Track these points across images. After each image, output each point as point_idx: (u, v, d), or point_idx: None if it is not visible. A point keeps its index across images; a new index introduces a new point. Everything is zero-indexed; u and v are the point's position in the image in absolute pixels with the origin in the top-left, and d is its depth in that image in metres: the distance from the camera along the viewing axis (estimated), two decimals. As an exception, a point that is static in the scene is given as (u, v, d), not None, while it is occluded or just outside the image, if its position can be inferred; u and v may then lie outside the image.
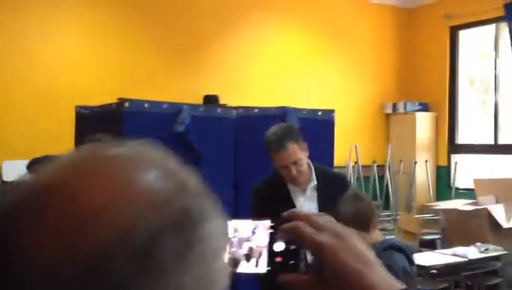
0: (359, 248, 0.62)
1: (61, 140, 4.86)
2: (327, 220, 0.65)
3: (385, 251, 2.40)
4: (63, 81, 5.44)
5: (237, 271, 0.67)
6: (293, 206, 2.77)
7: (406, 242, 2.74)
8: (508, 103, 6.77)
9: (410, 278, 2.41)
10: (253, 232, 0.69)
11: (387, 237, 2.67)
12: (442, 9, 7.25)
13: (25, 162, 3.19)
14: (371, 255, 0.63)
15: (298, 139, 2.68)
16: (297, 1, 6.91)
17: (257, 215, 2.44)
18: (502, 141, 6.80)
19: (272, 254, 0.66)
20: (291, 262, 0.65)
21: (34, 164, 3.01)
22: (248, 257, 0.67)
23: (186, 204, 0.46)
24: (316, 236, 0.62)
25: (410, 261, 2.49)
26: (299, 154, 2.64)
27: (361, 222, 2.37)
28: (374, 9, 7.49)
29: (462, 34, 7.31)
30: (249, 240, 0.68)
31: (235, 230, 0.70)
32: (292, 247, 0.65)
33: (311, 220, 0.64)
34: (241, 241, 0.69)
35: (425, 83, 7.47)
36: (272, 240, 0.67)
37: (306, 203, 2.76)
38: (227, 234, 0.51)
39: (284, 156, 2.63)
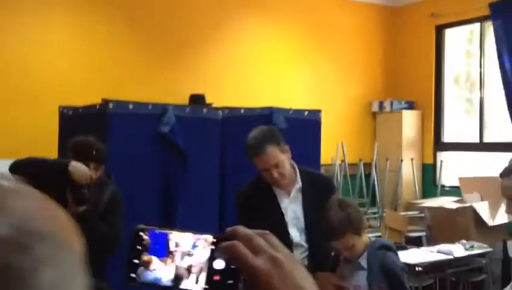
0: (295, 277, 0.59)
1: (44, 140, 4.83)
2: (269, 241, 0.62)
3: (378, 250, 2.45)
4: (46, 80, 5.39)
5: (179, 287, 0.64)
6: (279, 208, 2.78)
7: (389, 241, 2.80)
8: (493, 101, 6.82)
9: (404, 273, 2.49)
10: (195, 246, 0.66)
11: (376, 238, 2.71)
12: (428, 8, 7.28)
13: (8, 161, 3.17)
14: (307, 284, 0.60)
15: (279, 142, 2.68)
16: (283, 0, 6.90)
17: (244, 221, 2.47)
18: (487, 139, 6.85)
19: (210, 271, 0.63)
20: (230, 282, 0.62)
21: (16, 165, 2.98)
22: (188, 272, 0.64)
23: (9, 260, 0.38)
24: (252, 260, 0.59)
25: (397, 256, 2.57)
26: (280, 156, 2.65)
27: (355, 227, 2.42)
28: (359, 7, 7.51)
29: (448, 33, 7.35)
30: (190, 254, 0.65)
31: (177, 244, 0.66)
32: (233, 266, 0.62)
33: (251, 240, 0.61)
34: (182, 255, 0.66)
35: (412, 81, 7.51)
36: (213, 256, 0.64)
37: (290, 205, 2.77)
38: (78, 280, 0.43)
39: (264, 159, 2.63)
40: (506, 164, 2.53)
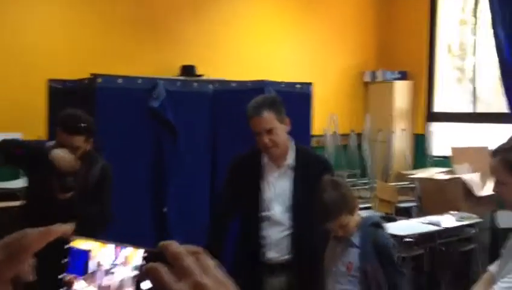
0: None
1: (33, 114, 4.78)
2: (200, 260, 0.58)
3: (369, 228, 2.49)
4: (34, 54, 5.29)
5: None
6: (260, 178, 2.74)
7: (378, 217, 2.84)
8: (486, 71, 6.79)
9: (395, 250, 2.53)
10: (115, 263, 0.60)
11: (367, 215, 2.74)
12: (421, -24, 7.18)
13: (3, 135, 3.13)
14: None
15: (279, 111, 2.69)
16: (275, -32, 6.77)
17: (228, 183, 2.47)
18: (479, 109, 6.85)
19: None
20: None
21: (1, 145, 2.93)
22: None
23: None
24: (201, 278, 0.56)
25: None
26: (275, 124, 2.65)
27: (349, 206, 2.45)
28: (352, -25, 7.39)
29: (441, 1, 7.26)
30: (111, 272, 0.60)
31: (98, 262, 0.61)
32: None
33: (180, 260, 0.57)
34: (106, 273, 0.60)
35: (404, 51, 7.45)
36: (142, 273, 0.58)
37: (279, 181, 2.76)
38: None
39: (258, 122, 2.65)
40: (498, 136, 2.52)
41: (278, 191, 2.75)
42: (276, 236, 2.74)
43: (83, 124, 2.85)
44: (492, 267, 2.17)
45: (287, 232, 2.74)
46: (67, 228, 0.64)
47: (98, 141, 3.08)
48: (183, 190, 3.86)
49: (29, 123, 4.99)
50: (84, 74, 4.39)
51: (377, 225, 2.55)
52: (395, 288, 2.46)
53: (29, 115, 4.99)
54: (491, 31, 6.26)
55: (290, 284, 2.76)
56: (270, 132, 2.65)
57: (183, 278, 0.56)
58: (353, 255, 2.49)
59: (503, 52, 6.13)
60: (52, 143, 3.03)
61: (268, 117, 2.64)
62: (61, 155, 2.74)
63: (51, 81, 4.03)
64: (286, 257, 2.74)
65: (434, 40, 7.29)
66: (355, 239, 2.48)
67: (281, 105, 2.73)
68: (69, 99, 3.70)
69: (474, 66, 6.89)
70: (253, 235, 2.76)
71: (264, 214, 2.76)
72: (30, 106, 4.92)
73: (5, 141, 2.89)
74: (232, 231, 3.01)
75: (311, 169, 2.73)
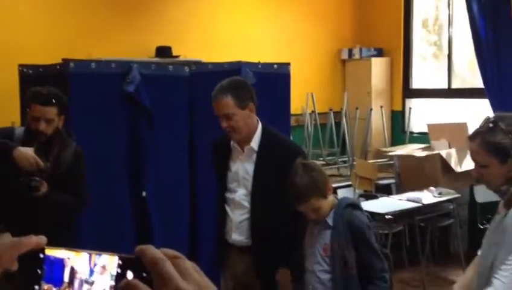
0: None
1: (5, 98, 4.66)
2: (180, 266, 0.56)
3: (345, 209, 2.48)
4: (4, 37, 5.13)
5: None
6: (228, 160, 2.80)
7: (354, 198, 2.86)
8: (461, 46, 6.81)
9: (371, 230, 2.53)
10: (92, 272, 0.58)
11: (342, 197, 2.75)
12: (396, -49, 7.13)
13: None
14: None
15: (239, 96, 2.69)
16: None
17: (214, 168, 2.53)
18: (455, 85, 6.89)
19: None
20: None
21: None
22: None
23: None
24: (182, 284, 0.54)
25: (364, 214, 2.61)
26: (232, 109, 2.66)
27: (321, 190, 2.46)
28: (328, -49, 7.30)
29: (417, -24, 7.24)
30: (89, 282, 0.58)
31: (74, 271, 0.59)
32: None
33: (158, 266, 0.55)
34: (81, 284, 0.58)
35: (381, 27, 7.43)
36: (118, 282, 0.56)
37: (243, 164, 2.79)
38: None
39: (216, 106, 2.70)
40: (474, 110, 2.52)
41: (241, 175, 2.79)
42: (238, 219, 2.78)
43: (54, 98, 2.80)
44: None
45: (247, 215, 2.77)
46: (40, 240, 0.61)
47: (69, 127, 3.02)
48: (161, 174, 3.82)
49: (1, 109, 4.88)
50: (56, 56, 4.27)
51: (353, 206, 2.56)
52: (372, 269, 2.46)
53: (1, 101, 4.87)
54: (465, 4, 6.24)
55: (253, 266, 2.79)
56: (228, 116, 2.67)
57: (163, 286, 0.54)
58: (328, 237, 2.51)
59: (477, 27, 6.13)
60: (21, 130, 2.96)
61: (227, 102, 2.66)
62: (24, 155, 2.67)
63: (22, 66, 3.91)
64: (247, 240, 2.78)
65: (409, 15, 7.28)
66: (330, 220, 2.50)
67: (245, 90, 2.74)
68: (41, 85, 3.60)
69: (449, 39, 6.89)
70: (220, 217, 2.83)
71: (228, 196, 2.81)
72: (2, 91, 4.79)
73: None
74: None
75: (275, 153, 2.74)
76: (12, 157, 2.66)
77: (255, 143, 2.77)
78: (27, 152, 2.70)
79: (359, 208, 2.60)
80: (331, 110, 6.86)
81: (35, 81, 3.67)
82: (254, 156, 2.77)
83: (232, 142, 2.80)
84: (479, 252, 2.16)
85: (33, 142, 2.78)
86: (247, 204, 2.77)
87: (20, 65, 3.94)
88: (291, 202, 2.48)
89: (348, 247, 2.43)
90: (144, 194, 3.82)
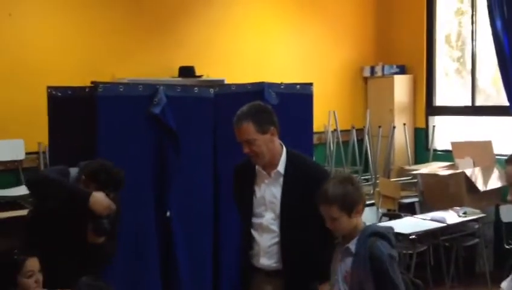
0: None
1: (34, 119, 4.77)
2: None
3: (369, 237, 2.43)
4: (33, 60, 5.27)
5: None
6: (253, 185, 2.79)
7: (383, 225, 2.76)
8: (485, 62, 6.75)
9: (395, 262, 2.45)
10: None
11: (369, 224, 2.67)
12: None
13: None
14: None
15: (259, 121, 2.69)
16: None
17: (234, 193, 2.55)
18: (479, 102, 6.83)
19: None
20: None
21: (37, 185, 2.86)
22: None
23: None
24: None
25: (392, 245, 2.52)
26: (253, 135, 2.67)
27: (346, 205, 2.38)
28: (349, -30, 7.35)
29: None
30: None
31: None
32: None
33: None
34: None
35: (403, 44, 7.42)
36: None
37: (269, 187, 2.78)
38: None
39: (238, 132, 2.71)
40: (499, 128, 2.49)
41: (268, 199, 2.78)
42: (267, 243, 2.77)
43: (114, 183, 2.83)
44: (504, 284, 2.16)
45: (276, 240, 2.76)
46: None
47: (99, 149, 3.06)
48: (186, 194, 3.86)
49: (30, 130, 4.99)
50: (79, 76, 4.34)
51: (381, 236, 2.44)
52: None
53: (30, 122, 4.98)
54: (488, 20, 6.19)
55: (285, 289, 2.78)
56: (249, 142, 2.68)
57: None
58: (349, 264, 2.43)
59: (501, 43, 6.08)
60: (75, 170, 2.97)
61: (247, 128, 2.67)
62: (99, 200, 2.73)
63: (51, 88, 3.99)
64: (277, 264, 2.76)
65: (432, 31, 7.26)
66: (353, 247, 2.43)
67: (265, 114, 2.74)
68: (70, 107, 3.68)
69: (473, 56, 6.84)
70: (247, 242, 2.82)
71: (255, 221, 2.80)
72: (31, 112, 4.90)
73: (40, 182, 2.82)
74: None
75: (301, 175, 2.74)
76: (88, 204, 2.70)
77: (281, 167, 2.77)
78: (101, 196, 2.75)
79: (386, 237, 2.45)
80: (353, 127, 6.86)
81: (64, 103, 3.75)
82: (281, 179, 2.78)
83: (257, 167, 2.81)
84: (502, 285, 2.14)
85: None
86: (275, 228, 2.75)
87: (48, 87, 4.02)
88: (316, 200, 2.43)
89: (367, 277, 2.34)
90: (168, 214, 3.85)
